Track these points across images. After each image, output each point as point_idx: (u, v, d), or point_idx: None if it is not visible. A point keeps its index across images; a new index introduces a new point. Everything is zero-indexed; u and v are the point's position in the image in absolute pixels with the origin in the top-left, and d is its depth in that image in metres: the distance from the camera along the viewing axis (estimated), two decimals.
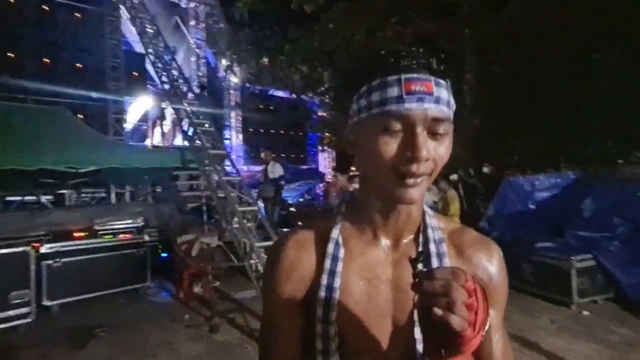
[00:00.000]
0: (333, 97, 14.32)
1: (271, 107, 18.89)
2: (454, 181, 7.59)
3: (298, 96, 13.37)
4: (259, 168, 11.62)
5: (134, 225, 6.26)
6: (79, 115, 8.85)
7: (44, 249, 4.76)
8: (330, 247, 0.68)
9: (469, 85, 10.04)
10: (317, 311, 0.65)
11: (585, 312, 4.37)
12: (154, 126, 11.34)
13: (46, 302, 4.64)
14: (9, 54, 9.09)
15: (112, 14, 10.07)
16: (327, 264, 0.67)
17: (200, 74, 13.95)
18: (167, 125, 11.88)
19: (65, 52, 9.82)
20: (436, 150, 0.60)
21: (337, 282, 0.65)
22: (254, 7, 10.93)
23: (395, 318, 0.66)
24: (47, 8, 9.61)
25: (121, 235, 5.78)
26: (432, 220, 0.72)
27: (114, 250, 5.31)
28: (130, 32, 10.65)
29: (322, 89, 13.66)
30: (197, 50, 14.12)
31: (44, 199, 8.55)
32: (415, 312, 0.62)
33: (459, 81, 10.32)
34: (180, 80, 8.18)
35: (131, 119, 12.44)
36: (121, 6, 10.08)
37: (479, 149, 10.89)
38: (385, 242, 0.69)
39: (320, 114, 15.00)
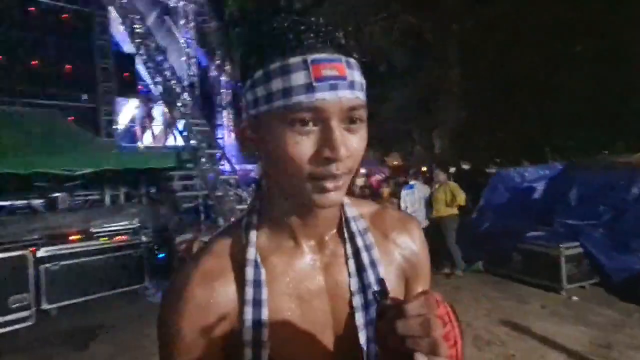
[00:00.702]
0: None
1: None
2: (451, 174, 7.70)
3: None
4: (251, 167, 11.64)
5: (130, 226, 6.28)
6: (70, 118, 8.78)
7: (40, 253, 4.77)
8: (249, 272, 0.56)
9: (454, 79, 10.20)
10: (245, 353, 0.54)
11: (575, 297, 4.53)
12: (143, 127, 11.29)
13: (45, 306, 4.66)
14: None
15: (101, 14, 9.98)
16: (249, 293, 0.55)
17: (191, 73, 13.88)
18: (158, 126, 11.84)
19: (54, 54, 9.69)
20: (355, 143, 0.52)
21: (265, 314, 0.55)
22: (243, 4, 10.94)
23: (336, 327, 0.60)
24: (33, 9, 9.47)
25: (117, 237, 5.80)
26: (351, 210, 0.65)
27: (110, 252, 5.33)
28: (119, 32, 10.58)
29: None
30: (187, 50, 14.04)
31: (35, 202, 8.49)
32: (357, 313, 0.58)
33: (446, 75, 10.49)
34: (174, 81, 8.17)
35: (122, 121, 12.37)
36: (110, 6, 10.02)
37: (464, 142, 11.08)
38: (308, 246, 0.61)
39: None
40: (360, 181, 7.75)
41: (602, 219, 4.92)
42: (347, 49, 0.51)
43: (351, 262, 0.62)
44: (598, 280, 4.82)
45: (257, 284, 0.56)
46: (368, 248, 0.63)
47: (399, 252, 0.67)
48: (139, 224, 6.32)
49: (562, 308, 4.27)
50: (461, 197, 5.67)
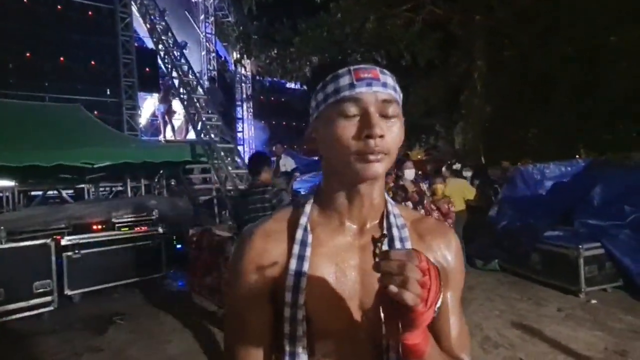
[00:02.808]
0: None
1: (283, 99, 18.96)
2: (457, 170, 7.53)
3: (309, 88, 13.35)
4: (271, 160, 11.69)
5: (149, 217, 6.46)
6: (94, 112, 9.10)
7: (64, 241, 4.98)
8: (299, 233, 0.70)
9: (480, 72, 9.85)
10: (285, 295, 0.67)
11: (594, 301, 4.34)
12: (164, 121, 11.56)
13: (68, 292, 4.89)
14: (26, 54, 9.36)
15: (123, 10, 10.24)
16: (296, 249, 0.69)
17: (210, 67, 14.07)
18: (179, 119, 12.08)
19: (80, 51, 10.05)
20: (390, 131, 0.65)
21: (306, 267, 0.68)
22: None
23: (362, 301, 0.69)
24: (60, 7, 9.82)
25: (137, 228, 5.99)
26: (394, 208, 0.76)
27: (130, 242, 5.51)
28: (141, 28, 10.83)
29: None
30: (207, 44, 14.22)
31: (64, 193, 8.90)
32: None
33: (470, 68, 10.16)
34: (190, 76, 8.31)
35: (145, 115, 12.71)
36: (132, 3, 10.27)
37: (491, 137, 10.73)
38: (351, 228, 0.72)
39: None
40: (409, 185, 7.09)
41: (628, 219, 4.68)
42: (381, 65, 0.69)
43: (384, 247, 0.69)
44: (622, 283, 4.60)
45: (303, 243, 0.70)
46: (402, 240, 0.73)
47: (432, 256, 0.74)
48: (158, 215, 6.49)
49: (580, 312, 4.10)
50: (467, 194, 5.69)
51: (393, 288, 0.51)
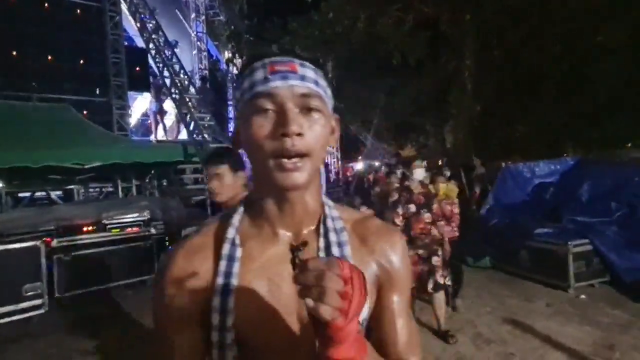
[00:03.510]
0: (335, 87, 14.30)
1: None
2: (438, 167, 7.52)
3: None
4: None
5: (141, 218, 6.39)
6: (83, 112, 8.98)
7: (54, 243, 4.93)
8: (226, 248, 0.64)
9: (469, 71, 9.95)
10: (212, 318, 0.61)
11: (582, 296, 4.43)
12: (156, 121, 11.46)
13: (58, 294, 4.82)
14: (12, 53, 9.20)
15: (113, 9, 10.12)
16: (222, 266, 0.63)
17: (202, 66, 13.98)
18: (171, 119, 11.99)
19: (68, 50, 9.90)
20: (311, 128, 0.59)
21: (233, 285, 0.62)
22: None
23: (300, 315, 0.63)
24: (47, 6, 9.66)
25: (128, 229, 5.93)
26: (332, 211, 0.71)
27: (121, 243, 5.46)
28: (131, 27, 10.71)
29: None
30: (198, 43, 14.12)
31: (53, 194, 8.76)
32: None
33: (460, 67, 10.25)
34: (182, 75, 8.25)
35: (135, 114, 12.58)
36: (121, 1, 10.15)
37: (481, 135, 10.84)
38: (285, 236, 0.66)
39: None
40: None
41: (614, 216, 4.78)
42: (302, 57, 0.63)
43: (321, 255, 0.66)
44: (608, 279, 4.70)
45: (231, 258, 0.64)
46: (340, 245, 0.67)
47: (376, 259, 0.70)
48: (149, 216, 6.44)
49: (568, 307, 4.18)
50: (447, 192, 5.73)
51: (309, 301, 0.46)
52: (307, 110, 0.60)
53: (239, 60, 13.69)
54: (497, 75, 10.68)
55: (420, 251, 3.49)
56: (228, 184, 1.73)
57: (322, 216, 0.69)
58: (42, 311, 4.47)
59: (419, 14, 10.46)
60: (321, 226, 0.68)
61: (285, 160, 0.57)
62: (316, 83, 0.61)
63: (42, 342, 3.85)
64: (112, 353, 3.61)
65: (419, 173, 3.69)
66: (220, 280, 0.62)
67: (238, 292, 0.62)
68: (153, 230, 5.78)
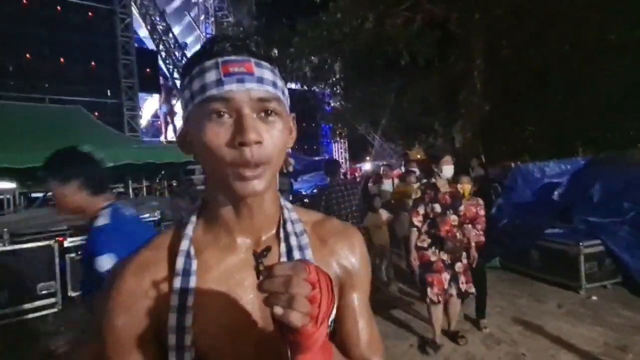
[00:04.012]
0: (343, 88, 14.30)
1: None
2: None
3: (309, 87, 13.40)
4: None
5: (151, 219, 6.46)
6: (94, 113, 9.12)
7: (67, 243, 5.00)
8: (180, 262, 0.60)
9: (478, 70, 9.89)
10: (168, 338, 0.57)
11: (594, 297, 4.38)
12: (166, 122, 11.58)
13: (71, 293, 4.89)
14: (27, 56, 9.37)
15: (123, 12, 10.25)
16: (177, 281, 0.58)
17: None
18: (180, 120, 12.11)
19: (79, 52, 10.06)
20: (270, 134, 0.56)
21: (190, 301, 0.58)
22: None
23: (264, 323, 0.60)
24: (59, 9, 9.83)
25: None
26: (291, 214, 0.69)
27: None
28: (141, 29, 10.84)
29: (333, 79, 13.64)
30: None
31: None
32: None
33: (469, 66, 10.19)
34: None
35: (145, 116, 12.72)
36: (132, 4, 10.28)
37: (490, 135, 10.77)
38: (243, 242, 0.63)
39: (331, 104, 14.97)
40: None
41: (627, 216, 4.70)
42: (257, 54, 0.58)
43: (283, 260, 0.64)
44: (621, 280, 4.64)
45: (186, 273, 0.59)
46: (301, 248, 0.65)
47: (336, 260, 0.69)
48: (159, 217, 6.51)
49: (580, 308, 4.14)
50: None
51: (278, 309, 0.44)
52: (265, 114, 0.56)
53: None
54: (506, 75, 10.60)
55: (445, 256, 3.23)
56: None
57: (281, 220, 0.67)
58: (55, 309, 4.56)
59: (428, 14, 10.43)
60: (281, 230, 0.66)
61: (245, 169, 0.54)
62: (274, 85, 0.57)
63: (56, 340, 3.91)
64: None
65: (448, 170, 3.28)
66: (175, 297, 0.58)
67: (196, 308, 0.58)
68: None
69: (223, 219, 0.63)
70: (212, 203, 0.64)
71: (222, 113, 0.55)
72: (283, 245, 0.65)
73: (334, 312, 0.50)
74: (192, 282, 0.59)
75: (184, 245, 0.61)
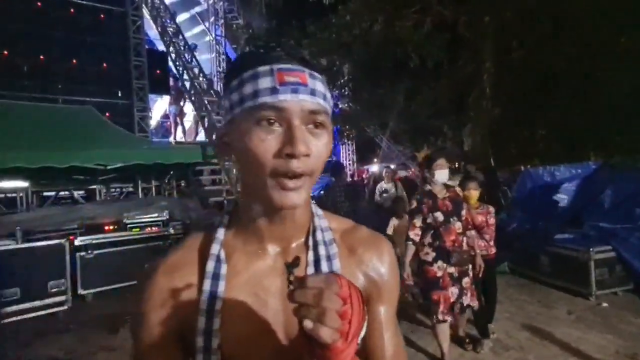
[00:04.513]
0: (352, 89, 14.31)
1: None
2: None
3: None
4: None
5: (160, 218, 6.51)
6: (105, 114, 9.24)
7: (77, 242, 5.08)
8: (210, 265, 0.61)
9: (488, 73, 9.82)
10: (196, 341, 0.58)
11: (604, 304, 4.32)
12: (175, 123, 11.69)
13: (81, 291, 4.98)
14: (40, 57, 9.53)
15: (135, 14, 10.38)
16: (207, 285, 0.60)
17: (220, 69, 14.19)
18: (189, 121, 12.21)
19: (92, 53, 10.20)
20: (316, 146, 0.56)
21: (219, 305, 0.59)
22: (272, 1, 11.03)
23: (288, 331, 0.61)
24: (72, 11, 9.99)
25: (148, 229, 6.07)
26: (321, 221, 0.68)
27: (141, 242, 5.59)
28: (152, 30, 10.97)
29: (342, 81, 13.65)
30: (217, 47, 14.34)
31: (76, 194, 9.04)
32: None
33: (478, 69, 10.13)
34: (201, 78, 8.41)
35: (155, 116, 12.85)
36: (143, 6, 10.40)
37: (500, 139, 10.68)
38: (273, 249, 0.64)
39: (340, 106, 14.98)
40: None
41: (638, 222, 4.64)
42: (310, 64, 0.58)
43: (310, 269, 0.64)
44: (632, 287, 4.57)
45: (216, 276, 0.60)
46: (329, 258, 0.65)
47: (364, 270, 0.68)
48: (168, 217, 6.57)
49: (590, 315, 4.09)
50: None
51: (308, 323, 0.43)
52: (313, 126, 0.56)
53: None
54: (516, 78, 10.51)
55: (452, 269, 2.97)
56: None
57: (311, 228, 0.66)
58: (65, 307, 4.62)
59: (437, 17, 10.39)
60: (310, 239, 0.66)
61: (287, 180, 0.54)
62: (324, 97, 0.57)
63: (67, 338, 3.97)
64: None
65: (442, 175, 3.05)
66: (204, 300, 0.59)
67: (223, 312, 0.59)
68: (172, 230, 5.90)
69: (254, 224, 0.63)
70: (244, 208, 0.64)
71: (272, 121, 0.54)
72: (311, 254, 0.65)
73: (365, 329, 0.49)
74: (222, 286, 0.60)
75: (215, 249, 0.62)
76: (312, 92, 0.56)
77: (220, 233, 0.64)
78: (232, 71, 0.59)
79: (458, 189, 3.28)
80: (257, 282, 0.62)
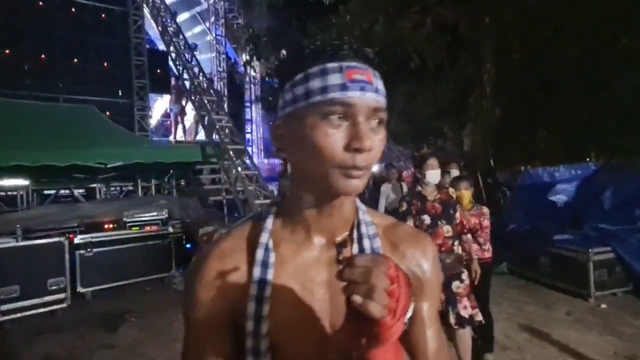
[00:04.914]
0: None
1: None
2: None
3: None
4: (279, 161, 11.78)
5: (159, 217, 6.53)
6: (106, 113, 9.25)
7: (77, 240, 5.09)
8: (260, 254, 0.63)
9: (489, 74, 9.81)
10: (246, 325, 0.61)
11: (603, 305, 4.32)
12: (176, 122, 11.70)
13: (80, 289, 4.98)
14: (42, 56, 9.55)
15: (136, 13, 10.39)
16: (257, 272, 0.62)
17: (220, 69, 14.20)
18: (189, 120, 12.24)
19: (93, 52, 10.21)
20: (376, 142, 0.59)
21: (268, 292, 0.61)
22: (273, 1, 11.03)
23: (332, 319, 0.63)
24: (74, 10, 10.00)
25: (147, 227, 6.08)
26: (365, 215, 0.70)
27: (140, 241, 5.60)
28: (153, 30, 10.98)
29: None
30: (217, 46, 14.35)
31: (76, 192, 9.06)
32: None
33: (480, 71, 10.12)
34: (201, 77, 8.42)
35: (155, 115, 12.87)
36: (144, 5, 10.41)
37: (500, 139, 10.67)
38: (318, 241, 0.66)
39: None
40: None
41: (638, 223, 4.63)
42: (373, 64, 0.61)
43: (356, 249, 0.66)
44: (631, 288, 4.57)
45: (265, 264, 0.63)
46: (373, 251, 0.67)
47: (406, 266, 0.68)
48: (167, 215, 6.58)
49: (589, 316, 4.08)
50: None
51: (357, 298, 0.46)
52: (375, 123, 0.59)
53: (257, 63, 13.86)
54: (517, 79, 10.50)
55: None
56: None
57: (355, 221, 0.68)
58: (64, 305, 4.61)
59: (438, 18, 10.39)
60: (355, 232, 0.68)
61: (353, 171, 0.57)
62: (384, 95, 0.60)
63: (66, 335, 3.97)
64: (133, 347, 3.70)
65: (433, 176, 2.90)
66: (254, 287, 0.62)
67: (272, 299, 0.61)
68: (171, 229, 5.91)
69: (303, 215, 0.65)
70: (294, 199, 0.66)
71: (339, 116, 0.56)
72: (355, 247, 0.66)
73: (411, 309, 0.50)
74: (270, 274, 0.62)
75: (264, 238, 0.65)
76: (376, 91, 0.58)
77: (269, 223, 0.66)
78: (294, 65, 0.60)
79: (451, 190, 3.17)
80: (304, 272, 0.65)
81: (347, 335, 0.51)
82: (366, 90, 0.57)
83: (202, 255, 0.67)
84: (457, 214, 2.92)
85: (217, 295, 0.63)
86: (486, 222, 3.37)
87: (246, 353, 0.61)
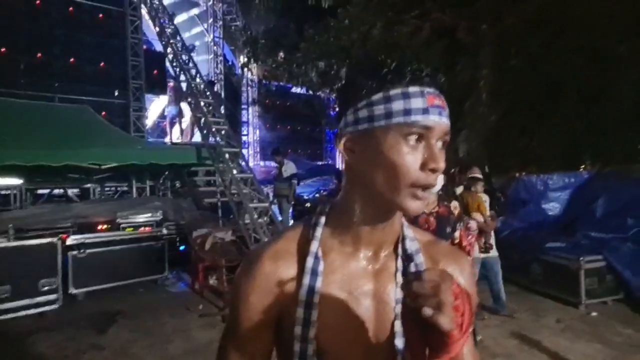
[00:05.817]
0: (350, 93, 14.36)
1: (288, 103, 19.11)
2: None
3: (315, 92, 13.46)
4: (275, 164, 11.80)
5: (154, 219, 6.50)
6: (102, 113, 9.22)
7: (70, 240, 5.04)
8: (310, 262, 0.66)
9: (486, 80, 9.87)
10: (295, 329, 0.64)
11: (594, 313, 4.35)
12: (172, 123, 11.67)
13: (72, 290, 4.94)
14: (37, 55, 9.50)
15: (133, 14, 10.38)
16: (306, 279, 0.65)
17: (217, 71, 14.20)
18: (186, 122, 12.21)
19: (90, 52, 10.17)
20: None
21: (316, 298, 0.64)
22: (271, 3, 11.06)
23: (376, 329, 0.66)
24: (71, 9, 9.97)
25: (141, 229, 6.05)
26: (408, 231, 0.73)
27: (134, 242, 5.56)
28: (150, 31, 10.97)
29: (339, 85, 13.69)
30: (215, 48, 14.34)
31: (70, 192, 9.00)
32: (397, 321, 0.65)
33: (476, 76, 10.18)
34: (198, 79, 8.41)
35: (151, 117, 12.83)
36: (142, 6, 10.40)
37: (496, 145, 10.72)
38: (365, 253, 0.69)
39: (337, 110, 15.03)
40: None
41: (630, 232, 4.68)
42: (442, 90, 0.66)
43: (399, 274, 0.69)
44: (622, 296, 4.60)
45: (314, 272, 0.65)
46: (417, 266, 0.70)
47: None
48: (162, 217, 6.55)
49: (579, 324, 4.11)
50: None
51: (427, 310, 0.48)
52: (442, 145, 0.63)
53: (255, 65, 13.88)
54: (514, 85, 10.56)
55: None
56: None
57: (400, 237, 0.71)
58: (56, 306, 4.58)
59: (436, 22, 10.44)
60: (399, 247, 0.71)
61: (420, 191, 0.60)
62: (451, 120, 0.65)
63: (57, 336, 3.95)
64: (124, 348, 3.69)
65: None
66: (304, 293, 0.64)
67: (320, 305, 0.64)
68: (165, 231, 5.88)
69: (355, 228, 0.68)
70: (348, 210, 0.68)
71: (417, 138, 0.60)
72: (400, 261, 0.70)
73: (472, 326, 0.53)
74: (319, 282, 0.65)
75: (314, 246, 0.67)
76: (447, 116, 0.63)
77: (319, 232, 0.69)
78: (371, 85, 0.65)
79: (452, 205, 2.84)
80: (351, 282, 0.68)
81: (394, 347, 0.57)
82: (442, 115, 0.61)
83: (257, 251, 0.71)
84: (457, 233, 2.63)
85: (267, 295, 0.66)
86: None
87: (294, 356, 0.64)
